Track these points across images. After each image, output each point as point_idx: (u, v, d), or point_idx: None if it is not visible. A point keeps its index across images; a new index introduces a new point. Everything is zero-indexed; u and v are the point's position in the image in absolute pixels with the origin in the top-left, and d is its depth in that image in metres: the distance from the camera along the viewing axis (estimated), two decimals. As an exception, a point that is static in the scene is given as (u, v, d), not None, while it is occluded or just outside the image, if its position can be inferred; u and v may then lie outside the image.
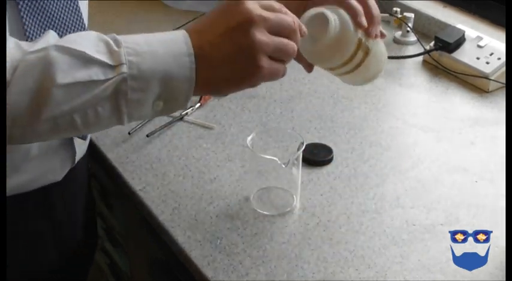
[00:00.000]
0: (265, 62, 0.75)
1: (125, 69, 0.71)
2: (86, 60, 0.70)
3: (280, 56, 0.77)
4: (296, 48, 0.78)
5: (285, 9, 0.78)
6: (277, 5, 0.78)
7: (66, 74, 0.69)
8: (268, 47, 0.75)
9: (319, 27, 0.84)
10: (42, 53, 0.70)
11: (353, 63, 0.89)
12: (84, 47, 0.71)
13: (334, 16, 0.85)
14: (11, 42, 0.71)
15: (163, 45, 0.73)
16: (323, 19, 0.84)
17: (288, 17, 0.77)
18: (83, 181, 1.11)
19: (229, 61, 0.75)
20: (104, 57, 0.71)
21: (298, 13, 0.87)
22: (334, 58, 0.89)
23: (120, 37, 0.73)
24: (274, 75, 0.78)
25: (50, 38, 0.73)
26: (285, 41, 0.77)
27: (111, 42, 0.72)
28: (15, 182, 0.89)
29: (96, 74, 0.70)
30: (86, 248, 1.15)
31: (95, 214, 1.23)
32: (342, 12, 0.86)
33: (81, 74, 0.70)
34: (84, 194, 1.12)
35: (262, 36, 0.74)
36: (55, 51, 0.69)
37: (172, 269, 1.10)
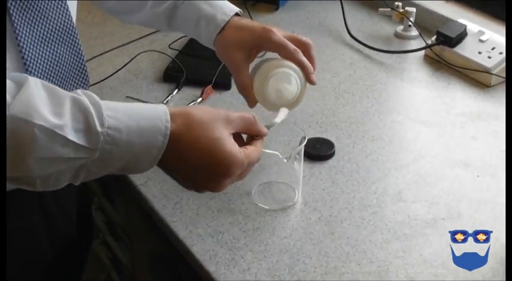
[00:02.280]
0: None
1: (96, 154, 0.73)
2: (64, 142, 0.71)
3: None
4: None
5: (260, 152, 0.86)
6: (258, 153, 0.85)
7: (44, 149, 0.70)
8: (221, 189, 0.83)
9: (281, 81, 0.99)
10: (28, 127, 0.70)
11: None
12: (65, 126, 0.71)
13: (297, 81, 0.99)
14: None
15: (143, 135, 0.75)
16: (286, 77, 0.99)
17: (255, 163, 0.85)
18: None
19: (187, 185, 0.83)
20: (81, 140, 0.72)
21: (251, 55, 1.03)
22: (289, 109, 1.02)
23: (104, 111, 0.73)
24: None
25: (26, 91, 0.72)
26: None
27: (95, 120, 0.72)
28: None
29: (68, 153, 0.72)
30: (82, 242, 1.16)
31: (90, 207, 1.23)
32: (298, 71, 0.99)
33: (55, 152, 0.71)
34: (76, 187, 1.12)
35: (225, 185, 0.82)
36: (39, 130, 0.70)
37: (173, 263, 1.10)
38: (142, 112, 0.76)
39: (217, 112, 0.81)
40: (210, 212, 1.02)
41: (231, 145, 0.80)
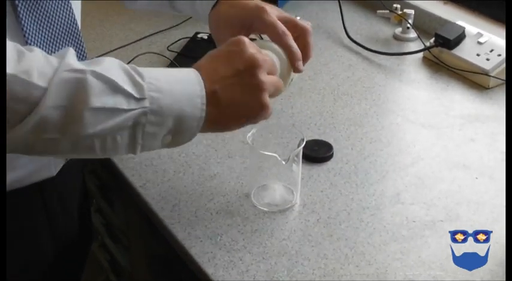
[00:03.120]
0: (268, 101, 0.84)
1: (147, 103, 0.76)
2: (114, 88, 0.74)
3: (274, 93, 0.87)
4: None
5: None
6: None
7: (98, 98, 0.73)
8: (271, 86, 0.84)
9: None
10: (80, 75, 0.73)
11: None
12: (113, 75, 0.75)
13: (278, 64, 0.92)
14: (37, 51, 0.74)
15: (180, 84, 0.79)
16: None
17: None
18: (77, 174, 1.12)
19: (238, 102, 0.82)
20: (129, 88, 0.75)
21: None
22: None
23: (141, 70, 0.78)
24: (270, 114, 0.86)
25: (71, 54, 0.76)
26: (277, 79, 0.87)
27: (133, 73, 0.76)
28: (9, 179, 0.89)
29: (120, 103, 0.74)
30: (82, 242, 1.16)
31: (90, 208, 1.23)
32: (282, 56, 0.94)
33: (109, 101, 0.74)
34: (78, 188, 1.12)
35: (265, 77, 0.83)
36: (91, 75, 0.73)
37: (172, 265, 1.10)
38: (170, 69, 0.83)
39: None
40: (208, 214, 1.02)
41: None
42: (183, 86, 0.79)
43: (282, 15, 0.98)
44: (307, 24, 1.00)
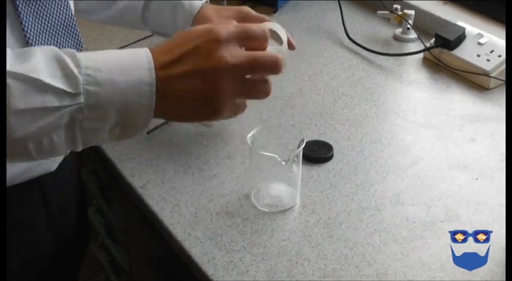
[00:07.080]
0: (227, 106, 0.74)
1: (81, 99, 0.69)
2: (40, 86, 0.67)
3: (271, 72, 0.76)
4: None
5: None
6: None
7: (20, 100, 0.67)
8: (245, 63, 0.73)
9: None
10: None
11: None
12: (39, 71, 0.68)
13: (285, 38, 0.90)
14: None
15: (125, 72, 0.70)
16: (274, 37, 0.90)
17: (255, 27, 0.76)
18: (74, 170, 1.12)
19: (192, 101, 0.73)
20: (59, 83, 0.68)
21: None
22: None
23: (81, 57, 0.70)
24: (234, 115, 0.77)
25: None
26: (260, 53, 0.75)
27: (70, 64, 0.69)
28: (9, 174, 0.89)
29: (50, 101, 0.68)
30: (80, 237, 1.16)
31: (86, 203, 1.24)
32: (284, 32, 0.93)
33: (34, 101, 0.67)
34: (75, 182, 1.13)
35: (233, 52, 0.73)
36: (10, 77, 0.67)
37: (172, 266, 1.10)
38: (120, 52, 0.73)
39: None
40: (208, 215, 1.02)
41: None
42: (129, 73, 0.70)
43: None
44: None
